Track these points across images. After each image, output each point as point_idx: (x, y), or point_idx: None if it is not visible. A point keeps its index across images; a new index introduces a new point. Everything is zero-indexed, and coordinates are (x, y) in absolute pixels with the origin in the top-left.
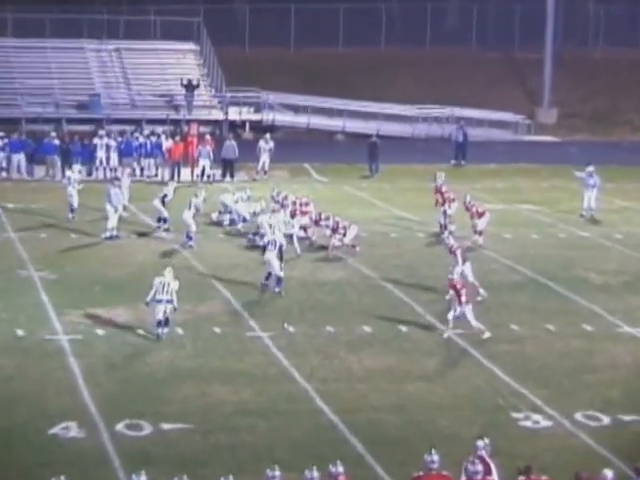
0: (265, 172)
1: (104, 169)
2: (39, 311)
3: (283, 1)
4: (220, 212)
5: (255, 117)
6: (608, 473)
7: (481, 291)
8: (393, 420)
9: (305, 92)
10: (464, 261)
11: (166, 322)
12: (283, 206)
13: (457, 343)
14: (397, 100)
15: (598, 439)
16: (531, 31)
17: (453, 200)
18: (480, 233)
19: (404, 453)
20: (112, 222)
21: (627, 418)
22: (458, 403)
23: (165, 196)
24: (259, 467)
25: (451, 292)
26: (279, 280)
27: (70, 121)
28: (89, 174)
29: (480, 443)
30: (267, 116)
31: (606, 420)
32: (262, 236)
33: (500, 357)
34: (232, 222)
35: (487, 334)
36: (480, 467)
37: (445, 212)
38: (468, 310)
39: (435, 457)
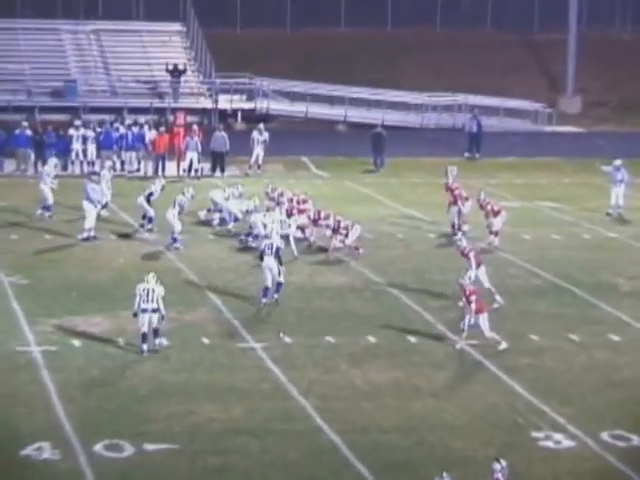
0: (259, 166)
1: (81, 163)
2: (9, 320)
3: None
4: (209, 210)
5: (248, 105)
6: None
7: (497, 298)
8: (400, 441)
9: (303, 78)
10: (478, 265)
11: (155, 334)
12: (279, 204)
13: (471, 355)
14: (404, 87)
15: (627, 461)
16: (553, 11)
17: (467, 199)
18: (496, 234)
19: (413, 478)
20: (90, 222)
21: None
22: (472, 422)
23: (151, 194)
24: None
25: (463, 299)
26: (278, 286)
27: (43, 110)
28: (64, 168)
29: (497, 466)
30: (261, 104)
31: (636, 440)
32: (255, 237)
33: (518, 371)
34: (222, 221)
35: (504, 345)
36: None
37: (460, 211)
38: (482, 319)
39: None
